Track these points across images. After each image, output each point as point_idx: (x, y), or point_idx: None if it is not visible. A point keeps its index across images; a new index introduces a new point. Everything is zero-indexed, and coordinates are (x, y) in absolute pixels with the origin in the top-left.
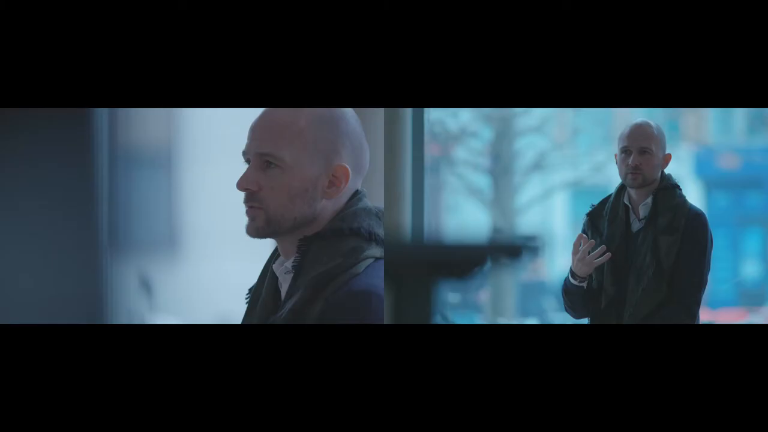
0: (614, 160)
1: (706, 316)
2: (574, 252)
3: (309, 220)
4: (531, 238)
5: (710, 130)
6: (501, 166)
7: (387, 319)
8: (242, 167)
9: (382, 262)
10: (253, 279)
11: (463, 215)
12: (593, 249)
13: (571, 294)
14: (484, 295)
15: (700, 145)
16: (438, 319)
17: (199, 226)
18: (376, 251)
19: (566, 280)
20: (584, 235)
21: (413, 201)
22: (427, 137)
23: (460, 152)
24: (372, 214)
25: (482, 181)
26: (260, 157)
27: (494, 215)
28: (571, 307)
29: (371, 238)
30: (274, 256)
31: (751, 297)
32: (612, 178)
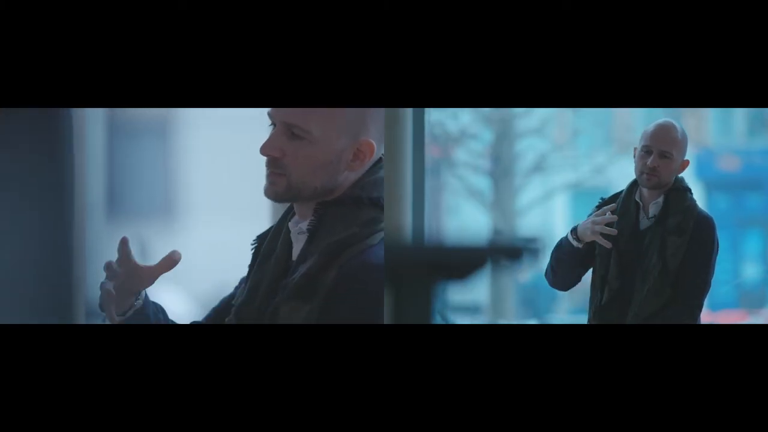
0: (614, 160)
1: (706, 318)
2: (595, 215)
3: (330, 190)
4: (531, 240)
5: (710, 131)
6: (501, 168)
7: (387, 320)
8: (240, 134)
9: None
10: (248, 248)
11: (463, 217)
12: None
13: (560, 250)
14: (484, 297)
15: (700, 146)
16: (438, 321)
17: (195, 193)
18: None
19: (563, 237)
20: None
21: (414, 202)
22: (427, 139)
23: (460, 154)
24: None
25: (482, 183)
26: (286, 126)
27: (494, 217)
28: (552, 266)
29: None
30: (290, 212)
31: (751, 299)
32: (613, 180)
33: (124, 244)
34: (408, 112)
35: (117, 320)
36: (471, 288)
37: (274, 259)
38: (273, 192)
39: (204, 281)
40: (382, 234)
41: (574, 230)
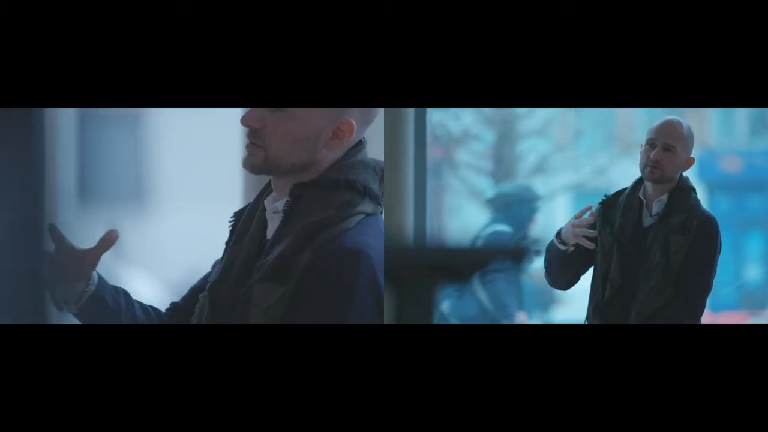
0: (615, 161)
1: (707, 319)
2: (576, 217)
3: (307, 166)
4: (533, 241)
5: (712, 132)
6: (503, 169)
7: (388, 321)
8: (213, 121)
9: (373, 218)
10: (221, 231)
11: (464, 218)
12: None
13: (549, 253)
14: (484, 298)
15: (702, 147)
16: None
17: (167, 179)
18: (369, 207)
19: (551, 240)
20: (592, 208)
21: (415, 203)
22: (429, 140)
23: (462, 155)
24: (369, 167)
25: (484, 184)
26: None
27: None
28: (546, 268)
29: (366, 192)
30: (267, 190)
31: (752, 300)
32: (614, 180)
33: (53, 230)
34: (409, 113)
35: (72, 309)
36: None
37: (249, 238)
38: (250, 164)
39: (174, 265)
40: (358, 218)
41: (558, 233)
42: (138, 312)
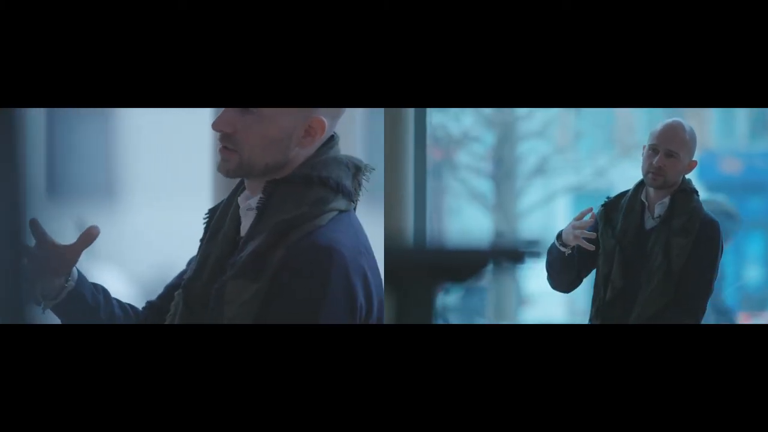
0: (615, 162)
1: (708, 320)
2: (576, 218)
3: (281, 166)
4: (533, 243)
5: (712, 134)
6: (503, 171)
7: (388, 322)
8: (184, 117)
9: (346, 215)
10: (192, 228)
11: (465, 219)
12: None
13: (550, 255)
14: (486, 300)
15: (702, 149)
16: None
17: (138, 174)
18: (342, 204)
19: (552, 243)
20: (594, 211)
21: (415, 205)
22: (429, 141)
23: (462, 156)
24: (342, 164)
25: (484, 186)
26: None
27: (496, 219)
28: (548, 270)
29: (338, 189)
30: (240, 186)
31: (753, 301)
32: (614, 182)
33: (35, 225)
34: (410, 115)
35: (51, 305)
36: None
37: (222, 235)
38: (225, 168)
39: (143, 261)
40: (331, 215)
41: (559, 235)
42: (116, 310)
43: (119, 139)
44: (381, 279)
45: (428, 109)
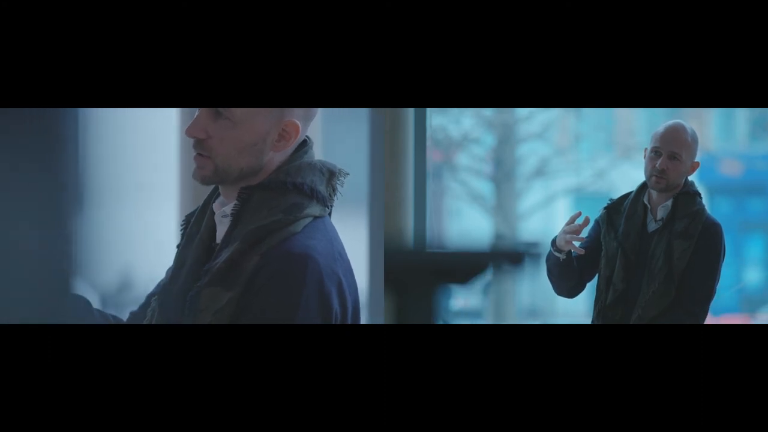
0: (615, 164)
1: (708, 322)
2: (567, 223)
3: (255, 171)
4: (533, 245)
5: (712, 135)
6: (503, 172)
7: (388, 322)
8: (151, 118)
9: (321, 221)
10: (156, 231)
11: (465, 221)
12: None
13: (548, 261)
14: (486, 301)
15: (702, 150)
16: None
17: (101, 175)
18: (316, 209)
19: (549, 249)
20: (583, 215)
21: (415, 207)
22: (429, 143)
23: (462, 158)
24: (316, 169)
25: (484, 187)
26: None
27: (496, 221)
28: (548, 276)
29: (313, 195)
30: (215, 193)
31: (753, 303)
32: (614, 184)
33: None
34: (410, 117)
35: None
36: (472, 292)
37: (198, 242)
38: (201, 175)
39: (106, 270)
40: (306, 221)
41: (553, 241)
42: (98, 320)
43: (81, 139)
44: (356, 284)
45: (428, 112)
